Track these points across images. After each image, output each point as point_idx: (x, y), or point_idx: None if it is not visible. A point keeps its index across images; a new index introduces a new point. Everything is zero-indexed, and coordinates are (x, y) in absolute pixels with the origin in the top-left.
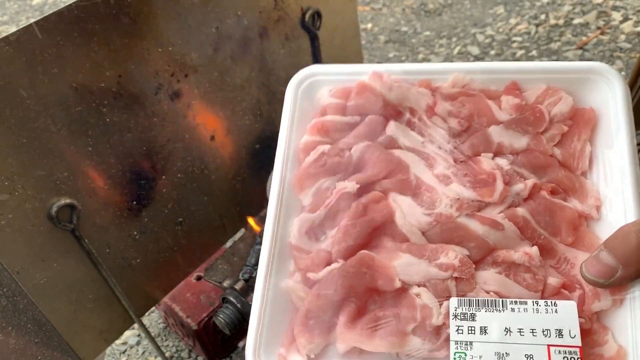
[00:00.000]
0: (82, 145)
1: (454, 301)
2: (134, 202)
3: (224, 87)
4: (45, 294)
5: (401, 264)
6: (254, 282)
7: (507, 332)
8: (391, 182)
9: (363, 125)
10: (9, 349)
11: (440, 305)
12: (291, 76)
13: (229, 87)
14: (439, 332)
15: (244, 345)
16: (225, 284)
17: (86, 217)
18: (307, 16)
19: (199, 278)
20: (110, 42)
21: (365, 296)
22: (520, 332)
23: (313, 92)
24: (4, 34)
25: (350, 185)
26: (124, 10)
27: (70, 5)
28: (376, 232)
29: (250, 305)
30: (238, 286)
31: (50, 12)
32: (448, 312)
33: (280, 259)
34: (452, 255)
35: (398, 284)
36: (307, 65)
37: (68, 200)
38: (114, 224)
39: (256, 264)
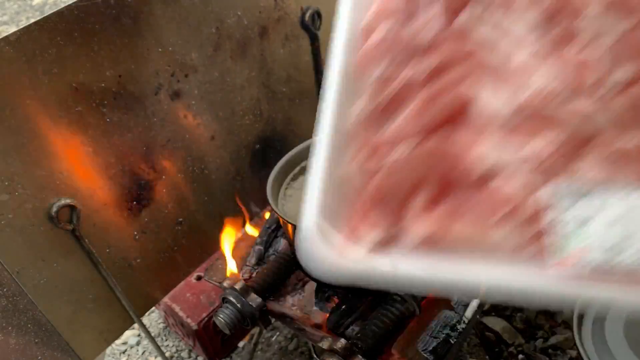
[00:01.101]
0: (82, 145)
1: (548, 190)
2: (134, 202)
3: (224, 87)
4: (45, 294)
5: (486, 149)
6: (254, 282)
7: (611, 224)
8: (468, 68)
9: (436, 5)
10: (9, 349)
11: (530, 196)
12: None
13: (229, 87)
14: (529, 224)
15: (244, 345)
16: (225, 284)
17: (86, 217)
18: (307, 16)
19: (199, 278)
20: (110, 42)
21: (442, 183)
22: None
23: None
24: (4, 34)
25: (420, 69)
26: (124, 10)
27: (70, 5)
28: (451, 119)
29: (251, 305)
30: (238, 286)
31: (50, 12)
32: (539, 204)
33: (338, 147)
34: (540, 142)
35: (481, 171)
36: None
37: (68, 200)
38: (114, 224)
39: (256, 263)
